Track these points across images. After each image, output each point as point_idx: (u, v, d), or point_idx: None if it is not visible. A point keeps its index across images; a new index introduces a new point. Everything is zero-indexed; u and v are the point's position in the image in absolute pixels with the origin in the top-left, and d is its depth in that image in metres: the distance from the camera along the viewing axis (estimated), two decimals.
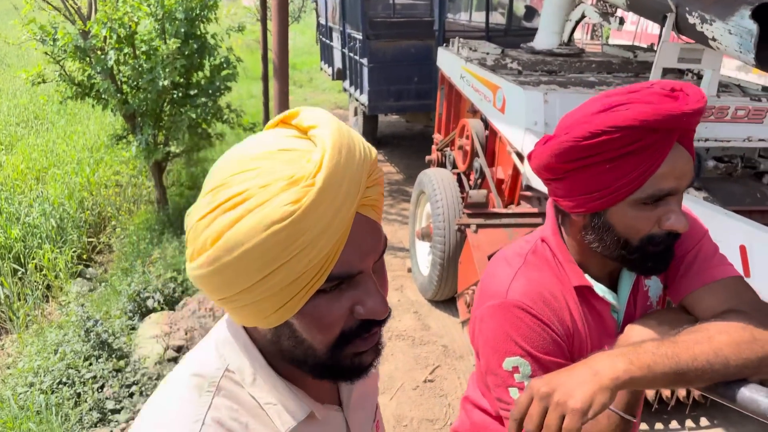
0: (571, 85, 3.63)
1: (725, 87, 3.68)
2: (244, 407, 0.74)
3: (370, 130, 8.54)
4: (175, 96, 6.26)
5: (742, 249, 2.43)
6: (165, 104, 6.27)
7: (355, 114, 8.88)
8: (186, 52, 5.95)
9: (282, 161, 0.64)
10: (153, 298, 4.93)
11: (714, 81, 3.34)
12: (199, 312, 4.71)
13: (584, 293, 1.14)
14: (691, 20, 3.09)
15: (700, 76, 3.54)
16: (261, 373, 0.75)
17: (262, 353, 0.76)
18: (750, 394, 0.94)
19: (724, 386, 0.97)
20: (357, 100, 7.65)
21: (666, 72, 3.51)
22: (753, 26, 2.72)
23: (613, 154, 0.98)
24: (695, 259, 1.13)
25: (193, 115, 6.09)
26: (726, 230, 2.49)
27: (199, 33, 6.21)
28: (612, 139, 0.97)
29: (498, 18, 7.99)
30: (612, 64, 4.34)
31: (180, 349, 4.36)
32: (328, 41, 9.27)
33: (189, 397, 0.72)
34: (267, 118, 8.36)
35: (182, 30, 5.86)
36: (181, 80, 6.24)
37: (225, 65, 6.49)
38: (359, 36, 6.87)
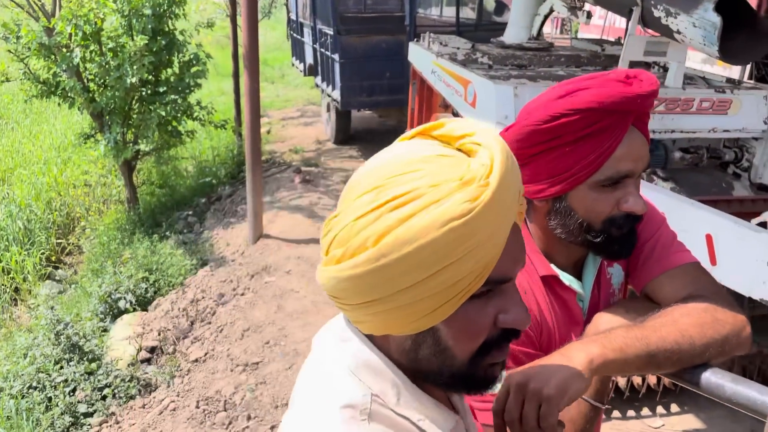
0: (540, 79, 3.66)
1: (690, 79, 3.75)
2: (399, 429, 0.72)
3: (343, 126, 8.51)
4: (143, 93, 6.17)
5: (708, 238, 2.48)
6: (133, 102, 6.17)
7: (328, 110, 8.84)
8: (154, 49, 5.86)
9: (443, 165, 0.65)
10: (125, 299, 4.86)
11: (679, 73, 3.41)
12: (172, 312, 4.66)
13: (550, 283, 1.16)
14: (657, 13, 3.14)
15: (666, 69, 3.60)
16: (405, 390, 0.73)
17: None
18: (716, 379, 0.97)
19: (690, 372, 0.99)
20: (329, 96, 7.63)
21: (633, 65, 3.56)
22: (717, 19, 2.77)
23: (573, 136, 1.01)
24: (655, 246, 1.17)
25: (163, 113, 6.00)
26: (692, 220, 2.54)
27: (167, 29, 6.13)
28: (571, 122, 1.00)
29: (468, 13, 8.03)
30: (580, 57, 4.40)
31: (153, 350, 4.31)
32: (299, 37, 9.22)
33: (349, 429, 0.70)
34: (239, 115, 8.29)
35: (150, 26, 5.77)
36: (150, 77, 6.15)
37: (194, 62, 6.42)
38: (330, 31, 6.85)
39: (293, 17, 9.49)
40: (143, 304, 4.97)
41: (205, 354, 4.10)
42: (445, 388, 0.74)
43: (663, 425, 3.19)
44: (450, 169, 0.64)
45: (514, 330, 0.71)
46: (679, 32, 3.03)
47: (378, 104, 7.43)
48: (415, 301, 0.64)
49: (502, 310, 0.70)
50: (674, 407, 3.28)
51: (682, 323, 0.98)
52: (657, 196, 2.65)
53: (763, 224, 2.51)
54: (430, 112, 4.97)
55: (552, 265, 1.16)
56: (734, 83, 3.69)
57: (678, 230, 2.43)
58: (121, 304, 4.82)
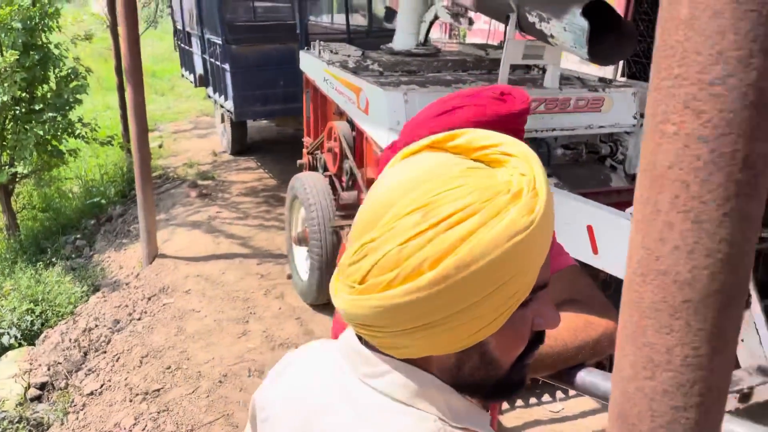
0: (429, 84, 3.75)
1: (567, 80, 3.98)
2: None
3: (239, 137, 8.33)
4: (17, 112, 5.75)
5: (589, 228, 2.64)
6: (7, 122, 5.74)
7: (222, 121, 8.63)
8: (27, 65, 5.48)
9: (481, 177, 0.64)
10: (8, 334, 4.50)
11: (555, 75, 3.61)
12: (63, 344, 4.36)
13: None
14: (531, 19, 3.31)
15: (545, 70, 3.80)
16: (455, 404, 0.72)
17: None
18: (590, 379, 1.03)
19: (567, 373, 1.05)
20: (222, 107, 7.45)
21: (514, 68, 3.72)
22: (584, 23, 2.96)
23: None
24: None
25: (41, 132, 5.62)
26: (574, 212, 2.69)
27: (40, 43, 5.75)
28: None
29: (359, 20, 8.10)
30: (466, 62, 4.55)
31: (43, 386, 4.02)
32: (187, 47, 8.93)
33: None
34: (126, 130, 7.91)
35: (20, 40, 5.40)
36: (24, 95, 5.74)
37: (73, 77, 6.06)
38: (219, 41, 6.69)
39: (180, 27, 9.18)
40: (30, 338, 4.62)
41: (101, 386, 3.87)
42: (486, 398, 0.75)
43: (563, 409, 3.36)
44: (489, 182, 0.64)
45: (543, 331, 0.74)
46: (552, 36, 3.21)
47: (273, 113, 7.33)
48: (472, 318, 0.64)
49: (537, 314, 0.72)
50: (572, 391, 3.45)
51: (554, 329, 1.04)
52: None
53: None
54: (325, 120, 4.97)
55: None
56: (606, 82, 3.96)
57: (562, 223, 2.56)
58: (5, 339, 4.46)
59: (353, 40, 6.75)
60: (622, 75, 9.94)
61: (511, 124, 1.05)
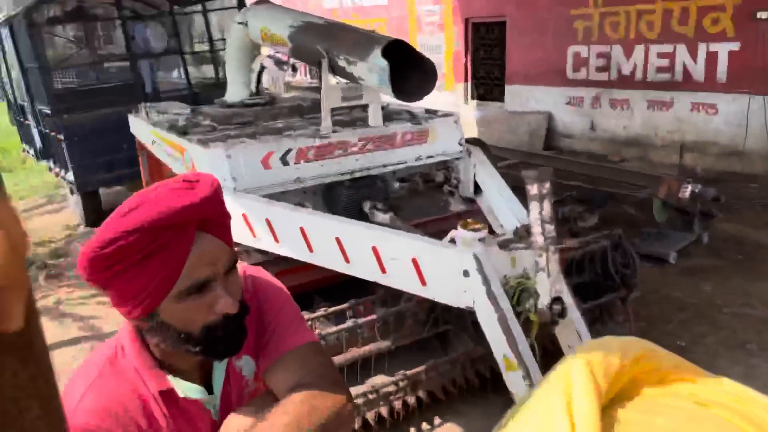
0: (259, 135, 3.69)
1: (397, 114, 4.08)
2: None
3: (93, 207, 7.83)
4: None
5: (414, 261, 2.66)
6: None
7: (72, 192, 8.13)
8: None
9: None
10: None
11: (378, 113, 3.68)
12: None
13: (172, 396, 1.11)
14: (340, 63, 3.37)
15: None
16: None
17: None
18: None
19: None
20: (64, 180, 7.01)
21: (335, 110, 3.76)
22: (385, 63, 3.05)
23: (135, 258, 0.97)
24: (275, 331, 1.18)
25: None
26: (398, 248, 2.70)
27: None
28: (128, 245, 0.95)
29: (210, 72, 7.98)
30: (302, 106, 4.56)
31: None
32: (23, 120, 8.38)
33: None
34: None
35: None
36: None
37: None
38: (49, 111, 6.32)
39: (12, 99, 8.62)
40: None
41: None
42: None
43: None
44: None
45: None
46: (360, 78, 3.28)
47: (120, 179, 6.97)
48: None
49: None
50: (437, 420, 3.46)
51: (278, 425, 0.99)
52: (359, 230, 2.75)
53: (452, 241, 2.77)
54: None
55: (169, 377, 1.11)
56: (431, 113, 4.10)
57: (389, 258, 2.52)
58: None
59: (198, 95, 6.63)
60: (472, 98, 10.49)
61: (194, 215, 0.99)
